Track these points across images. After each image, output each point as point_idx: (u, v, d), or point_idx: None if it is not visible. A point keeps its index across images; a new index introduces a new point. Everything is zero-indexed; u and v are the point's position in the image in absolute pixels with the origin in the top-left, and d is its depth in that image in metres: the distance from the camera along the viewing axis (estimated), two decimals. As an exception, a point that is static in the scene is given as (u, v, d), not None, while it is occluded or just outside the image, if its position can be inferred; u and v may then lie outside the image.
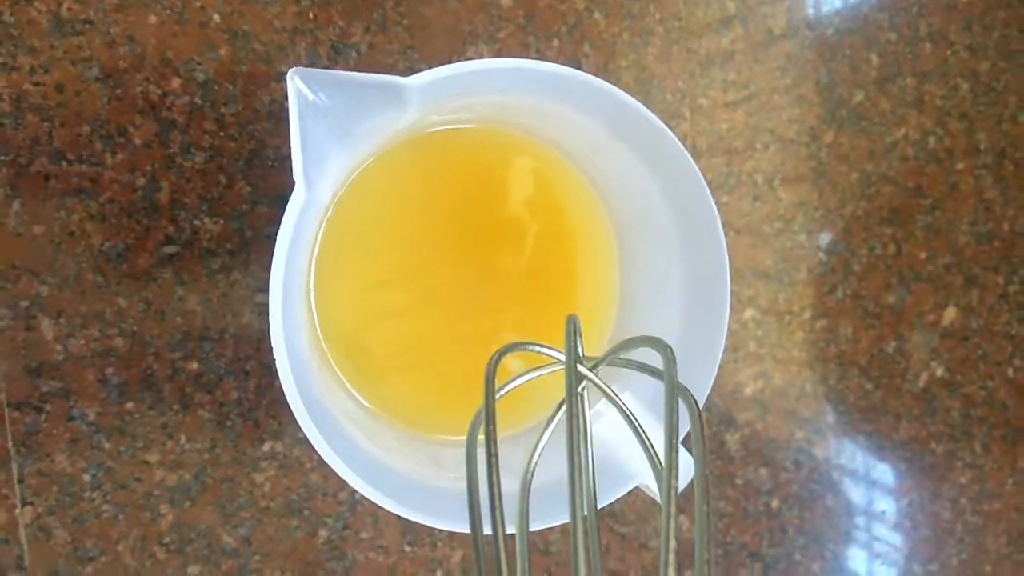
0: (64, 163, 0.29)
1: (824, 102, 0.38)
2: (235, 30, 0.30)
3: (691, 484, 0.25)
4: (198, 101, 0.30)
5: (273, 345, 0.18)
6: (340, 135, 0.17)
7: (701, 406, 0.25)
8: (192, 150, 0.30)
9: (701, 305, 0.23)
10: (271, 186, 0.31)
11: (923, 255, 0.41)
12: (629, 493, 0.25)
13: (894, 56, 0.40)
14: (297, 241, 0.19)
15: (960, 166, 0.42)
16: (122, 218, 0.30)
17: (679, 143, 0.21)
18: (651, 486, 0.23)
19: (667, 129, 0.21)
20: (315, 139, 0.17)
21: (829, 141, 0.39)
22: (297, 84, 0.17)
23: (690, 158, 0.21)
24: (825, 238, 0.39)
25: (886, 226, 0.40)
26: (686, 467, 0.24)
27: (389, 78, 0.18)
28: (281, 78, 0.31)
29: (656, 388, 0.25)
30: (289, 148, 0.21)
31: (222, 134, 0.30)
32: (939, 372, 0.42)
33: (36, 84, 0.29)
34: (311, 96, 0.17)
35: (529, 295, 0.26)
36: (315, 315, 0.25)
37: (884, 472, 0.42)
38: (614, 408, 0.23)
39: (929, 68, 0.40)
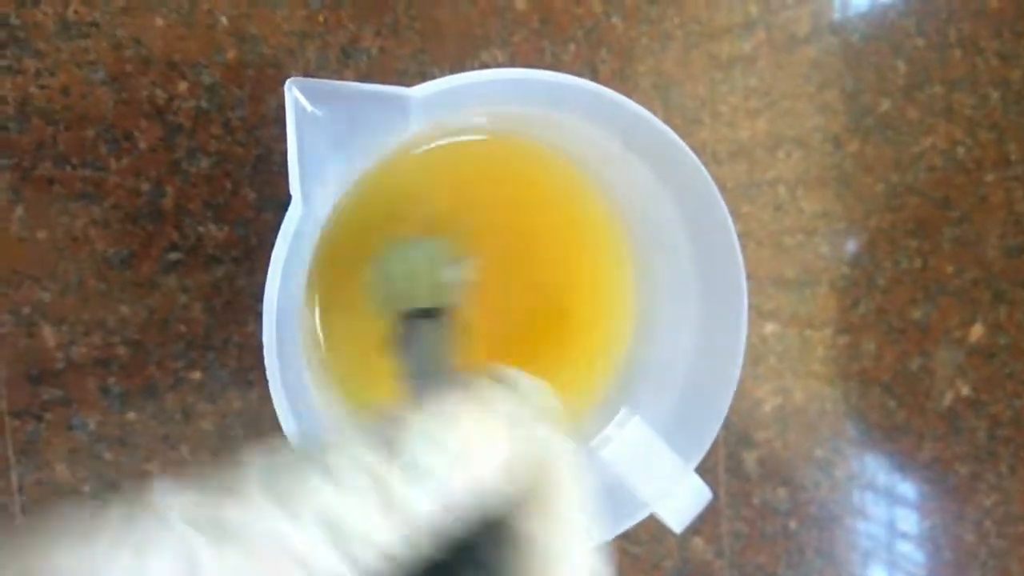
0: (68, 167, 0.29)
1: (849, 110, 0.37)
2: (243, 33, 0.30)
3: (709, 505, 0.24)
4: (205, 105, 0.29)
5: (265, 364, 0.17)
6: (340, 148, 0.17)
7: (719, 424, 0.24)
8: (198, 155, 0.30)
9: (718, 320, 0.23)
10: (278, 193, 0.31)
11: (950, 269, 0.40)
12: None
13: (922, 63, 0.38)
14: (294, 256, 0.18)
15: (990, 177, 0.40)
16: (126, 224, 0.29)
17: (693, 156, 0.20)
18: (663, 513, 0.22)
19: (681, 141, 0.20)
20: (313, 152, 0.16)
21: (854, 150, 0.38)
22: (295, 95, 0.16)
23: (705, 172, 0.20)
24: (849, 250, 0.38)
25: (912, 239, 0.39)
26: (699, 494, 0.23)
27: (391, 89, 0.17)
28: (286, 79, 0.30)
29: (665, 413, 0.24)
30: (296, 154, 0.21)
31: (229, 139, 0.30)
32: (964, 390, 0.41)
33: (41, 87, 0.28)
34: (309, 108, 0.16)
35: (541, 309, 0.25)
36: (318, 330, 0.24)
37: (906, 493, 0.41)
38: (624, 433, 0.22)
39: (958, 76, 0.39)
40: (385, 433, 0.12)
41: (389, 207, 0.24)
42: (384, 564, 0.11)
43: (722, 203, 0.21)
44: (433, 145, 0.23)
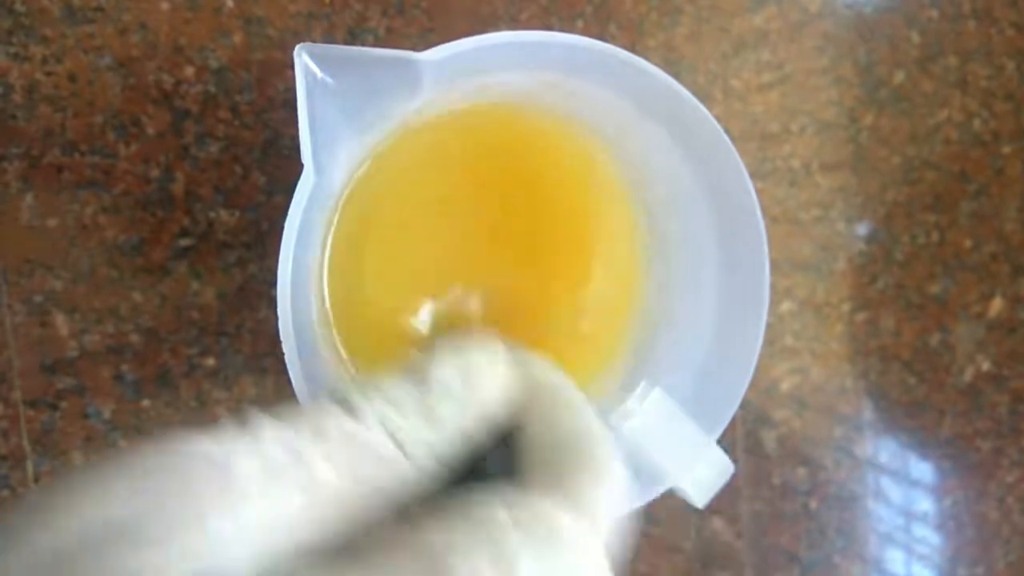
0: (77, 154, 0.28)
1: (863, 83, 0.37)
2: (249, 16, 0.29)
3: (728, 485, 0.24)
4: (212, 89, 0.29)
5: (283, 341, 0.17)
6: (351, 115, 0.16)
7: (738, 402, 0.24)
8: (206, 140, 0.29)
9: (738, 293, 0.22)
10: (287, 176, 0.30)
11: (968, 243, 0.39)
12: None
13: (936, 34, 0.38)
14: (307, 232, 0.18)
15: (1007, 149, 0.40)
16: (136, 210, 0.29)
17: (713, 119, 0.20)
18: (685, 487, 0.22)
19: (700, 105, 0.20)
20: (324, 119, 0.16)
21: (869, 124, 0.37)
22: (304, 60, 0.16)
23: (725, 135, 0.20)
24: (865, 226, 0.38)
25: (929, 213, 0.39)
26: (721, 467, 0.22)
27: (402, 53, 0.17)
28: (295, 62, 0.30)
29: (688, 384, 0.24)
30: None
31: (237, 123, 0.30)
32: (985, 366, 0.40)
33: (48, 74, 0.28)
34: (319, 74, 0.16)
35: (554, 282, 0.25)
36: (328, 311, 0.24)
37: (927, 470, 0.40)
38: (645, 407, 0.22)
39: (973, 47, 0.39)
40: (415, 366, 0.16)
41: (403, 181, 0.23)
42: (432, 462, 0.15)
43: (743, 168, 0.20)
44: (445, 115, 0.23)
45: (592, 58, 0.19)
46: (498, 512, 0.13)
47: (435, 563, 0.12)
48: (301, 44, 0.16)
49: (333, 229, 0.22)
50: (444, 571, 0.12)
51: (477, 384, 0.15)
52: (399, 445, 0.14)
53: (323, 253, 0.22)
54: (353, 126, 0.17)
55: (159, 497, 0.12)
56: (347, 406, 0.14)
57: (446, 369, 0.15)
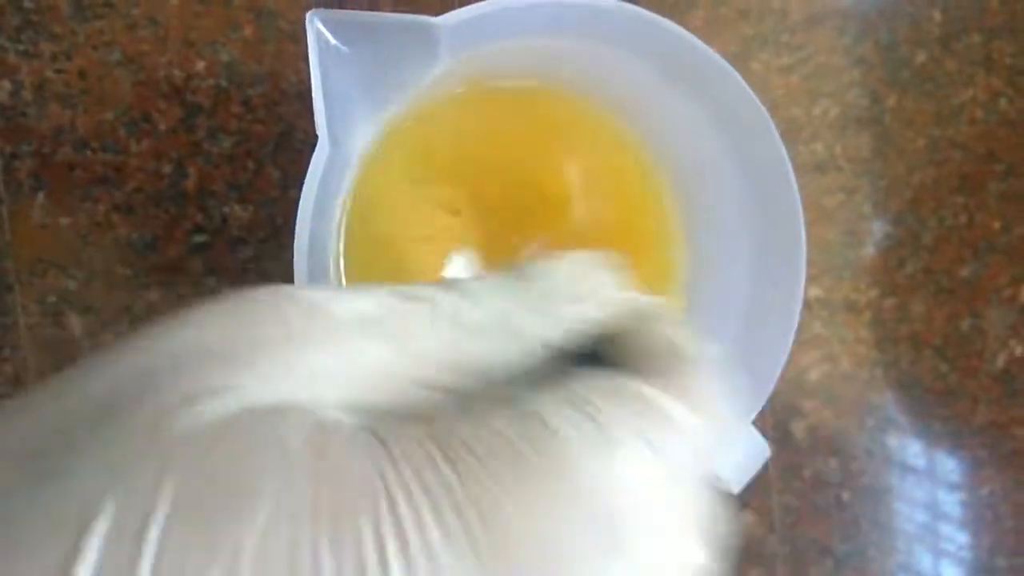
0: (88, 152, 0.28)
1: (885, 64, 0.36)
2: (259, 8, 0.29)
3: (757, 478, 0.23)
4: (223, 83, 0.29)
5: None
6: (367, 84, 0.16)
7: (773, 384, 0.23)
8: (219, 135, 0.29)
9: (772, 270, 0.21)
10: (302, 170, 0.29)
11: (997, 225, 0.38)
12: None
13: (959, 11, 0.37)
14: (322, 207, 0.17)
15: (1035, 128, 0.39)
16: (149, 207, 0.28)
17: (744, 83, 0.19)
18: (721, 470, 0.21)
19: (730, 67, 0.19)
20: (338, 88, 0.16)
21: (892, 105, 0.36)
22: (317, 27, 0.15)
23: (757, 100, 0.19)
24: (891, 210, 0.37)
25: (956, 195, 0.38)
26: (757, 448, 0.22)
27: (419, 18, 0.16)
28: (308, 57, 0.30)
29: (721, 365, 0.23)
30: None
31: (249, 117, 0.29)
32: (1018, 350, 0.39)
33: (58, 71, 0.28)
34: (333, 40, 0.15)
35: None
36: (343, 285, 0.23)
37: (962, 460, 0.39)
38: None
39: (997, 23, 0.38)
40: (520, 268, 0.15)
41: (421, 158, 0.23)
42: (541, 350, 0.14)
43: (776, 135, 0.19)
44: (464, 89, 0.22)
45: (614, 20, 0.18)
46: (606, 387, 0.12)
47: (528, 419, 0.12)
48: (313, 10, 0.15)
49: (349, 203, 0.21)
50: (537, 426, 0.11)
51: (586, 287, 0.15)
52: (504, 324, 0.14)
53: (338, 241, 0.22)
54: (368, 96, 0.16)
55: (255, 327, 0.12)
56: (452, 286, 0.14)
57: (554, 271, 0.14)
